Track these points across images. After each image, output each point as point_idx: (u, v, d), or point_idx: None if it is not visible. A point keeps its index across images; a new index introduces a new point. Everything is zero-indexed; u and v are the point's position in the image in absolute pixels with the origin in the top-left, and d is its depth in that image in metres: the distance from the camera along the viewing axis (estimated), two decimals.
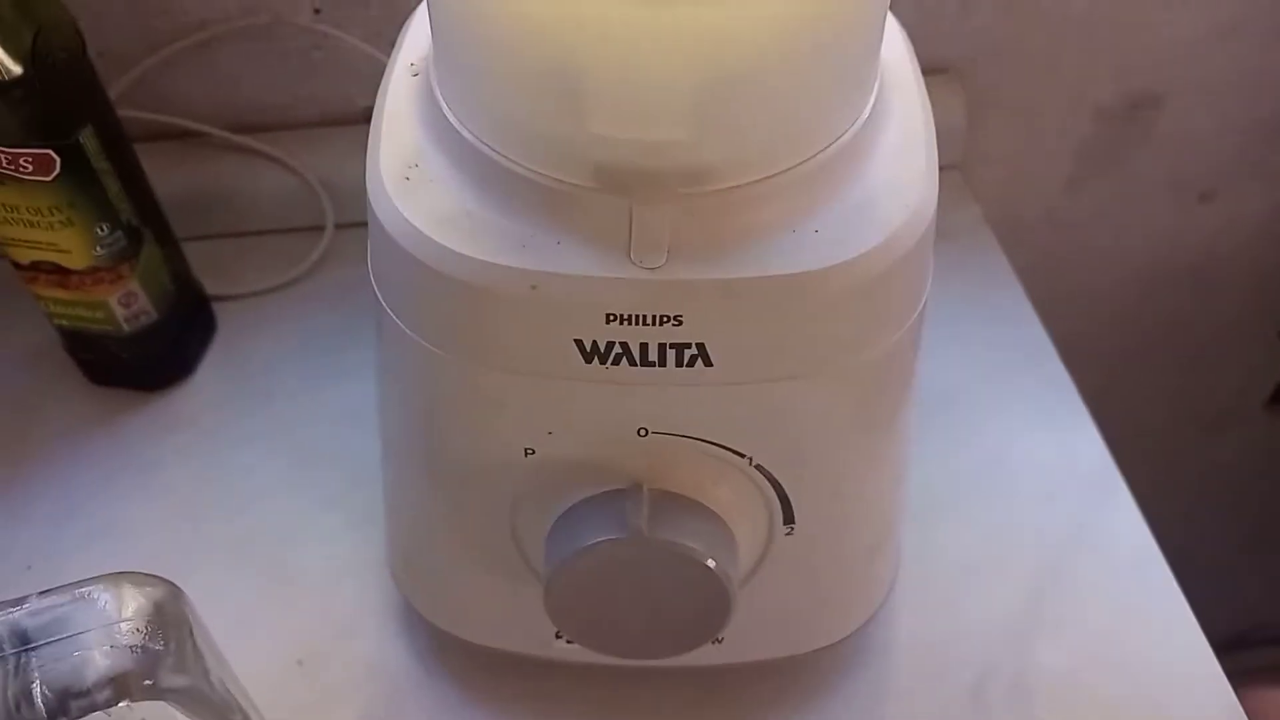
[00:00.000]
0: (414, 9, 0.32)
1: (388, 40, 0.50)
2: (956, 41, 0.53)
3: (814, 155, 0.27)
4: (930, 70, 0.54)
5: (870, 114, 0.28)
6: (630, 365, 0.27)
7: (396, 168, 0.28)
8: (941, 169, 0.56)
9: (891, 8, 0.29)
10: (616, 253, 0.26)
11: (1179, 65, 0.56)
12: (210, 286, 0.50)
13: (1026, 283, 0.52)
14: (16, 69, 0.35)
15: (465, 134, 0.27)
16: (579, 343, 0.26)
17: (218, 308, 0.50)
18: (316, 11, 0.48)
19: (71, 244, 0.40)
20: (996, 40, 0.53)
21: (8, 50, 0.35)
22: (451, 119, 0.27)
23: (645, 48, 0.23)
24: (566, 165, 0.26)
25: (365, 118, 0.54)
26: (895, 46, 0.32)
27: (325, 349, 0.49)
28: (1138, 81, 0.57)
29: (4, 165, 0.36)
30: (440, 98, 0.28)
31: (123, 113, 0.50)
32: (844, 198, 0.27)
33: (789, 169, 0.26)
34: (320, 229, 0.53)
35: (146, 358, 0.46)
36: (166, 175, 0.47)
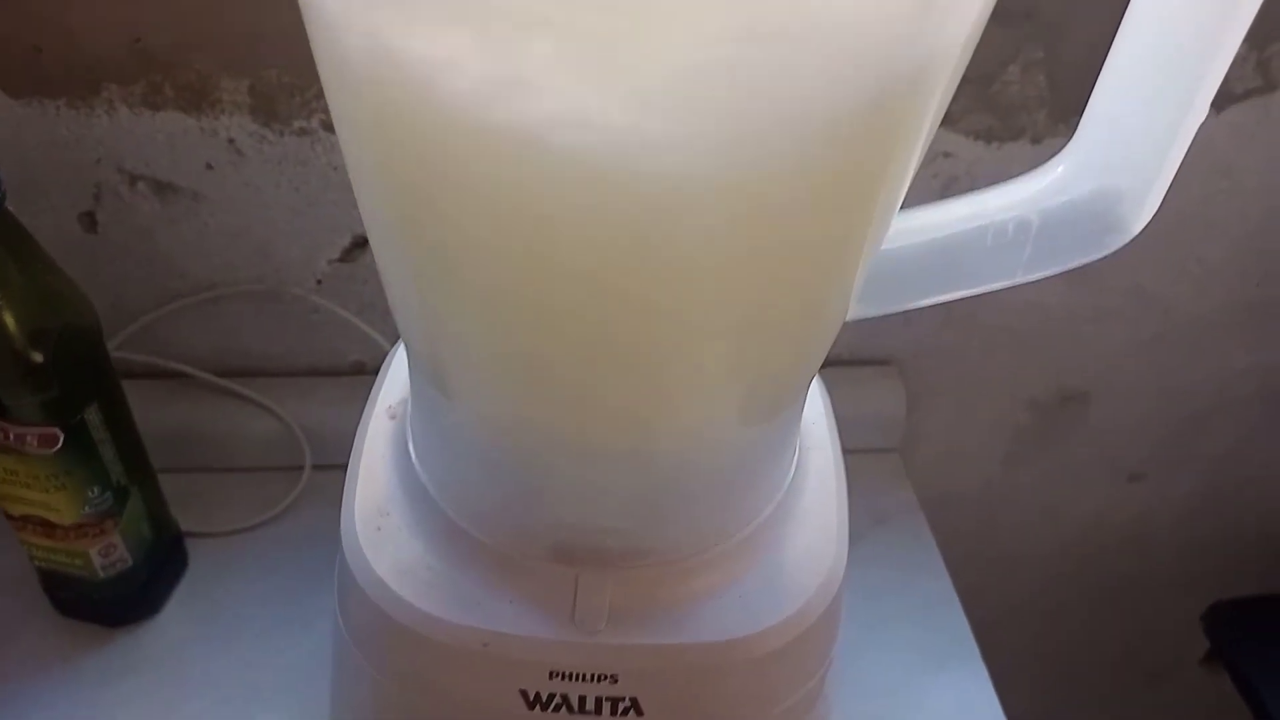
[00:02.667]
0: (395, 348, 0.36)
1: (378, 312, 0.54)
2: (899, 340, 0.58)
3: (739, 532, 0.30)
4: (874, 361, 0.59)
5: (789, 483, 0.32)
6: (569, 713, 0.30)
7: (369, 515, 0.31)
8: (881, 452, 0.61)
9: None
10: (562, 616, 0.29)
11: (1105, 369, 0.61)
12: (186, 522, 0.52)
13: (964, 549, 0.55)
14: (39, 358, 0.38)
15: (434, 495, 0.30)
16: (523, 693, 0.29)
17: (191, 544, 0.53)
18: (319, 283, 0.53)
19: (62, 504, 0.42)
20: (936, 342, 0.58)
21: (32, 341, 0.38)
22: (423, 478, 0.31)
23: (598, 463, 0.27)
24: (522, 539, 0.29)
25: (352, 370, 0.58)
26: (814, 403, 0.36)
27: (290, 594, 0.51)
28: (1067, 381, 0.62)
29: (11, 440, 0.40)
30: (414, 457, 0.31)
31: (122, 354, 0.54)
32: (765, 565, 0.31)
33: (717, 545, 0.30)
34: (299, 469, 0.56)
35: (117, 599, 0.48)
36: (155, 412, 0.50)
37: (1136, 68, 0.24)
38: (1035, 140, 0.50)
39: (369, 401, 0.35)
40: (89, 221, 0.51)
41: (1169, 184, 0.26)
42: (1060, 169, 0.27)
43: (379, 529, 0.30)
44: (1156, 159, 0.25)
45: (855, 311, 0.29)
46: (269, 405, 0.56)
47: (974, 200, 0.28)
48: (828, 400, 0.37)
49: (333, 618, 0.32)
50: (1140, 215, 0.26)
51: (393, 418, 0.33)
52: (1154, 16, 0.24)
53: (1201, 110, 0.24)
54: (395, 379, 0.35)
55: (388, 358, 0.36)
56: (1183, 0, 0.23)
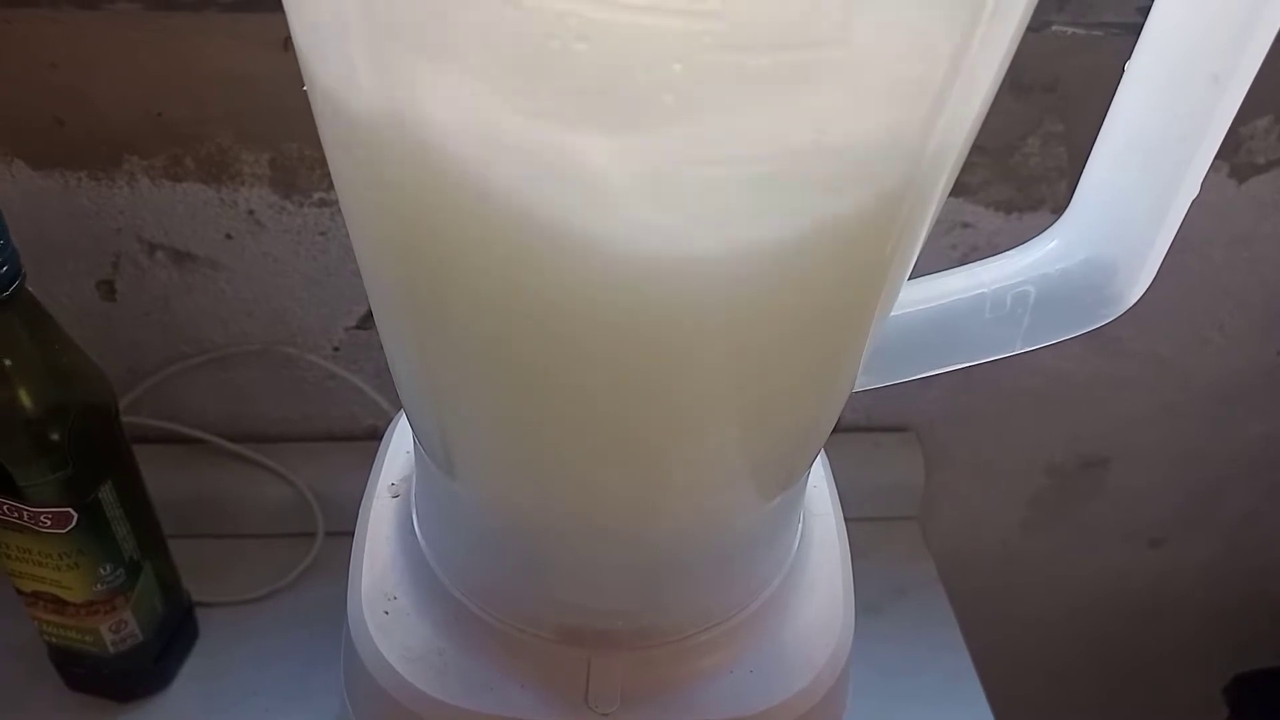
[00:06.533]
0: (395, 420, 0.36)
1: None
2: (917, 406, 0.57)
3: (749, 606, 0.30)
4: (891, 428, 0.59)
5: (794, 553, 0.32)
6: None
7: (376, 598, 0.30)
8: (900, 520, 0.60)
9: None
10: (574, 699, 0.28)
11: (1125, 435, 0.60)
12: (197, 591, 0.52)
13: (982, 615, 0.54)
14: (55, 436, 0.38)
15: (441, 576, 0.30)
16: None
17: (202, 613, 0.52)
18: (335, 350, 0.53)
19: (74, 582, 0.42)
20: (955, 407, 0.58)
21: (49, 420, 0.38)
22: (429, 558, 0.30)
23: (604, 546, 0.26)
24: (531, 621, 0.28)
25: (367, 435, 0.58)
26: (815, 468, 0.35)
27: (301, 665, 0.51)
28: (1087, 447, 0.61)
29: (25, 520, 0.39)
30: (419, 536, 0.31)
31: (134, 419, 0.54)
32: (775, 638, 0.31)
33: (728, 620, 0.30)
34: (311, 535, 0.56)
35: (128, 674, 0.47)
36: (167, 478, 0.50)
37: (1128, 144, 0.24)
38: (1055, 211, 0.50)
39: (370, 478, 0.34)
40: (107, 290, 0.51)
41: (1163, 256, 0.26)
42: (1054, 242, 0.27)
43: (386, 613, 0.30)
44: (1149, 233, 0.25)
45: (861, 383, 0.29)
46: (282, 471, 0.56)
47: (969, 272, 0.28)
48: (827, 464, 0.36)
49: (340, 700, 0.32)
50: (1135, 287, 0.26)
51: (395, 495, 0.33)
52: (1146, 93, 0.24)
53: (1194, 185, 0.24)
54: (396, 453, 0.35)
55: (387, 433, 0.36)
56: (1174, 78, 0.23)
